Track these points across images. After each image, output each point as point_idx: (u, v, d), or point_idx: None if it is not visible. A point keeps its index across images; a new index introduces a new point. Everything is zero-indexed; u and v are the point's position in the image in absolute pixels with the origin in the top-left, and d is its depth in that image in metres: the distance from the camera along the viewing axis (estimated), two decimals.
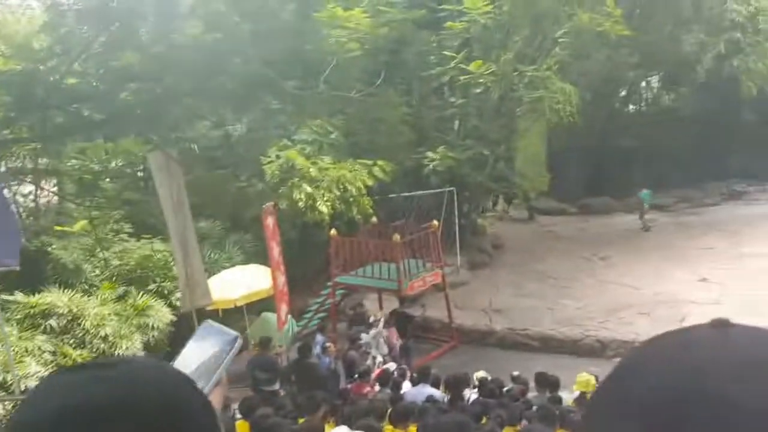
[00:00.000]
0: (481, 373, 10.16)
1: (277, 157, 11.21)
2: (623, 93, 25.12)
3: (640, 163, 25.31)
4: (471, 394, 9.15)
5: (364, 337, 11.87)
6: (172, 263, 12.10)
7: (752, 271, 16.06)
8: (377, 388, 9.50)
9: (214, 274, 12.88)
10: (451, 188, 16.62)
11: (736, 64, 18.87)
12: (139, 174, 15.24)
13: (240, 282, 12.29)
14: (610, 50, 17.53)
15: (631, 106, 27.03)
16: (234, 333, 1.50)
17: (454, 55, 14.68)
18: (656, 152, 25.44)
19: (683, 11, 18.06)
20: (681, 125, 25.55)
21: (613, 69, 19.96)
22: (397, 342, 12.44)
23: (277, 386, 10.41)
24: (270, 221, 11.42)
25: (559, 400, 8.30)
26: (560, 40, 16.02)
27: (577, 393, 9.10)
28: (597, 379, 9.06)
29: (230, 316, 13.07)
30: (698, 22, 18.52)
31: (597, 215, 23.58)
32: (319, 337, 12.23)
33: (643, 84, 25.90)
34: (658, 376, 0.61)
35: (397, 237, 12.87)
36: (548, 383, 8.91)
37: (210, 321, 1.58)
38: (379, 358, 11.66)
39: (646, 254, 18.47)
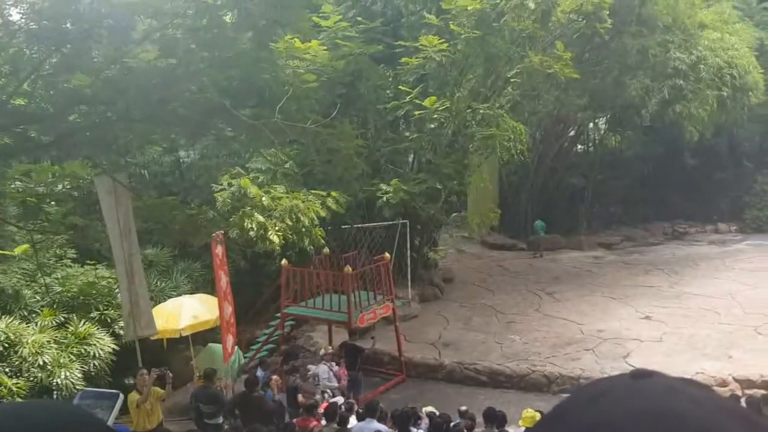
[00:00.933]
0: (429, 408, 10.13)
1: (230, 184, 11.09)
2: (572, 133, 25.82)
3: (588, 202, 26.03)
4: (418, 430, 9.11)
5: (312, 369, 11.72)
6: (116, 290, 11.79)
7: (693, 310, 16.60)
8: (323, 422, 9.35)
9: (160, 302, 12.61)
10: (404, 221, 16.72)
11: (678, 110, 19.63)
12: (86, 198, 14.87)
13: (186, 311, 12.02)
14: (559, 92, 18.05)
15: (579, 146, 27.79)
16: (114, 391, 1.51)
17: (410, 90, 14.92)
18: (603, 192, 26.24)
19: (629, 57, 18.77)
20: (627, 166, 26.43)
21: (562, 110, 20.56)
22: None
23: (220, 420, 10.15)
24: (219, 250, 11.26)
25: None
26: (512, 80, 16.47)
27: (522, 429, 9.16)
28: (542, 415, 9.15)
29: (175, 346, 12.79)
30: (643, 69, 19.28)
31: (545, 251, 24.01)
32: (260, 372, 11.95)
33: (591, 125, 26.68)
34: (574, 425, 0.63)
35: (348, 268, 12.84)
36: (496, 419, 8.95)
37: (86, 389, 1.61)
38: (329, 392, 11.51)
39: (592, 291, 18.88)
